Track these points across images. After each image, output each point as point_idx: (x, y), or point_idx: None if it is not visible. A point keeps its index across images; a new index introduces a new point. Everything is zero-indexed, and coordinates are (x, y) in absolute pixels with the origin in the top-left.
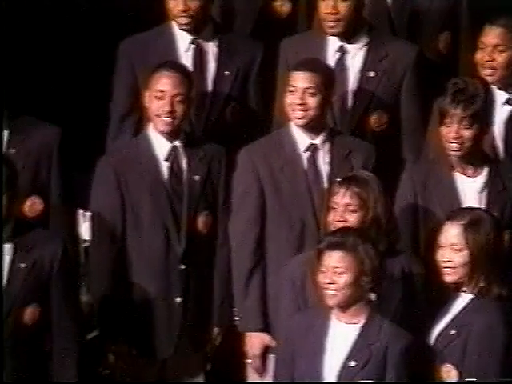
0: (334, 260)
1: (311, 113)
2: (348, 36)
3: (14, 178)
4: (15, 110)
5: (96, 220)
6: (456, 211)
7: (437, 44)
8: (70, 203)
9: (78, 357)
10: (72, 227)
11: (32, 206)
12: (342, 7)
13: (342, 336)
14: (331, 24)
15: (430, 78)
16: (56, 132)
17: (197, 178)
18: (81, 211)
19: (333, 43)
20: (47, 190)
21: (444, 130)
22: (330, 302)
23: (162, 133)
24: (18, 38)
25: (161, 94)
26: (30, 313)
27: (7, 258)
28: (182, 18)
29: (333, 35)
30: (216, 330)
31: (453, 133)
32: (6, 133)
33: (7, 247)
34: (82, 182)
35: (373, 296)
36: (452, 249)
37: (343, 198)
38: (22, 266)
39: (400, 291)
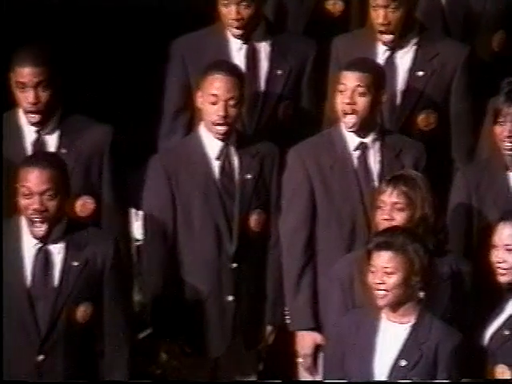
0: (384, 260)
1: (361, 113)
2: (398, 39)
3: (65, 177)
4: (67, 109)
5: (148, 219)
6: (510, 211)
7: (491, 43)
8: (123, 202)
9: (130, 356)
10: (124, 226)
11: (83, 205)
12: (393, 18)
13: (392, 335)
14: (386, 37)
15: (483, 78)
16: (108, 131)
17: (249, 176)
18: (133, 210)
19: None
20: (99, 190)
21: (498, 128)
22: (381, 302)
23: (215, 136)
24: (71, 38)
25: (214, 99)
26: (82, 311)
27: (60, 257)
28: (235, 26)
29: (385, 45)
30: (269, 328)
31: (506, 131)
32: (57, 133)
33: (60, 246)
34: (135, 181)
35: (422, 295)
36: (506, 249)
37: (390, 197)
38: (75, 264)
39: (449, 291)
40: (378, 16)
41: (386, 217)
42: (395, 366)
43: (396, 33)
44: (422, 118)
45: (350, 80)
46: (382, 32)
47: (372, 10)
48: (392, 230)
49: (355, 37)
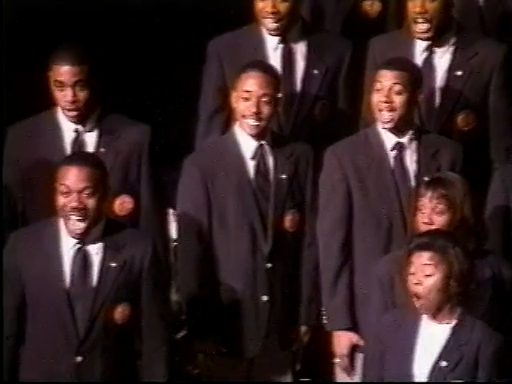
0: (423, 261)
1: (397, 112)
2: (435, 36)
3: (103, 176)
4: (105, 108)
5: (182, 219)
6: None
7: None
8: (161, 202)
9: (168, 356)
10: (162, 227)
11: (122, 204)
12: (431, 7)
13: (433, 336)
14: (421, 28)
15: None
16: (146, 131)
17: (284, 176)
18: (171, 211)
19: (420, 42)
20: (137, 189)
21: None
22: (418, 304)
23: (248, 133)
24: (109, 38)
25: (247, 95)
26: (120, 312)
27: (98, 257)
28: (271, 20)
29: (421, 39)
30: (303, 328)
31: None
32: (95, 132)
33: (98, 246)
34: (172, 182)
35: (461, 298)
36: None
37: (430, 200)
38: (113, 265)
39: (489, 292)
40: (416, 5)
41: (426, 220)
42: (435, 367)
43: (432, 23)
44: (461, 118)
45: (387, 78)
46: (417, 22)
47: (409, 2)
48: (434, 233)
49: (392, 38)
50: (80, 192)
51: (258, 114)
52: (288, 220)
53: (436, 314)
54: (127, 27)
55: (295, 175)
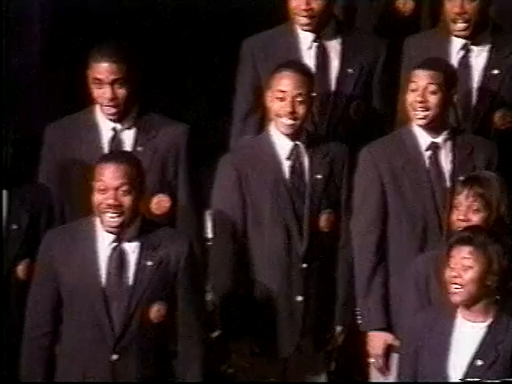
0: (463, 254)
1: (432, 111)
2: (472, 35)
3: (140, 174)
4: (143, 107)
5: (217, 218)
6: None
7: None
8: (198, 202)
9: (203, 355)
10: (199, 226)
11: (159, 203)
12: (470, 7)
13: (468, 335)
14: (460, 26)
15: None
16: (184, 130)
17: (319, 176)
18: (207, 210)
19: (457, 42)
20: (174, 189)
21: None
22: (455, 297)
23: (283, 133)
24: (146, 37)
25: (282, 95)
26: (156, 311)
27: (134, 256)
28: (304, 17)
29: (459, 36)
30: (338, 329)
31: None
32: (133, 130)
33: (134, 245)
34: (208, 181)
35: (498, 296)
36: None
37: (466, 199)
38: (149, 263)
39: None
40: (455, 5)
41: (462, 217)
42: (471, 366)
43: (471, 23)
44: (498, 117)
45: (422, 78)
46: (456, 22)
47: (447, 2)
48: (475, 228)
49: (428, 37)
50: (116, 189)
51: (292, 114)
52: (323, 220)
53: (471, 308)
54: (164, 26)
55: (331, 175)
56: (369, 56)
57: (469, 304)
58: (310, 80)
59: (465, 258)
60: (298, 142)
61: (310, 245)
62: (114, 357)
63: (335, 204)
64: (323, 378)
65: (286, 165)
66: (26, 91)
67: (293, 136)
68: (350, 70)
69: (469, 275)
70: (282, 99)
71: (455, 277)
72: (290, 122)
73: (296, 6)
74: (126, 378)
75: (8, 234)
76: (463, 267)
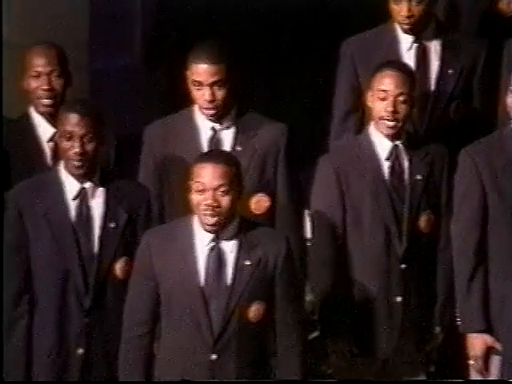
0: None
1: None
2: None
3: (238, 175)
4: (242, 107)
5: (317, 219)
6: None
7: None
8: (297, 202)
9: (302, 355)
10: (298, 226)
11: (258, 203)
12: None
13: None
14: None
15: None
16: (283, 130)
17: (419, 177)
18: (306, 211)
19: None
20: (273, 188)
21: None
22: None
23: (384, 134)
24: (245, 38)
25: (384, 95)
26: (254, 310)
27: (232, 255)
28: (406, 23)
29: None
30: (438, 329)
31: None
32: (232, 130)
33: (232, 244)
34: (308, 182)
35: None
36: None
37: None
38: (247, 263)
39: None
40: None
41: None
42: None
43: None
44: None
45: None
46: None
47: None
48: None
49: None
50: (215, 190)
51: (394, 114)
52: (423, 221)
53: None
54: (263, 26)
55: (430, 176)
56: (469, 56)
57: None
58: (412, 80)
59: None
60: (397, 143)
61: (410, 246)
62: (213, 356)
63: (435, 205)
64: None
65: (386, 165)
66: (127, 91)
67: (393, 136)
68: (450, 71)
69: None
70: (383, 99)
71: None
72: (392, 123)
73: (398, 11)
74: (225, 377)
75: (106, 233)
76: None
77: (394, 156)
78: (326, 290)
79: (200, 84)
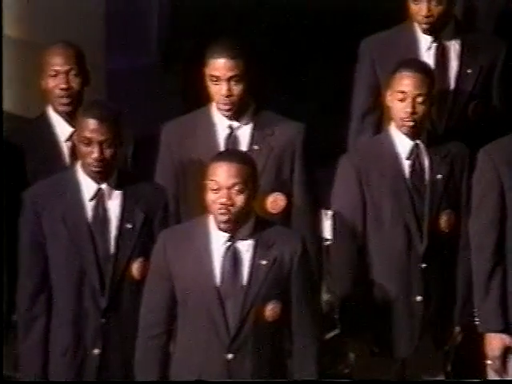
0: None
1: None
2: None
3: (253, 174)
4: (259, 106)
5: (337, 218)
6: None
7: None
8: (313, 201)
9: (318, 355)
10: (314, 225)
11: (275, 202)
12: None
13: None
14: None
15: None
16: (300, 129)
17: (439, 176)
18: (323, 210)
19: None
20: (289, 187)
21: None
22: None
23: (404, 133)
24: (263, 37)
25: (402, 96)
26: (270, 309)
27: (248, 255)
28: (425, 23)
29: None
30: (457, 329)
31: None
32: (249, 128)
33: (248, 244)
34: (325, 181)
35: None
36: None
37: None
38: (263, 262)
39: None
40: None
41: None
42: None
43: None
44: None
45: None
46: None
47: None
48: None
49: None
50: (229, 188)
51: (413, 115)
52: (443, 220)
53: None
54: (281, 24)
55: (451, 175)
56: (488, 56)
57: None
58: (431, 80)
59: None
60: (418, 142)
61: (430, 245)
62: (230, 356)
63: (455, 204)
64: (441, 378)
65: (406, 164)
66: (144, 91)
67: (413, 135)
68: (469, 70)
69: None
70: (402, 100)
71: None
72: (411, 123)
73: (417, 11)
74: (242, 376)
75: (122, 233)
76: None
77: (414, 155)
78: (346, 289)
79: (217, 79)
